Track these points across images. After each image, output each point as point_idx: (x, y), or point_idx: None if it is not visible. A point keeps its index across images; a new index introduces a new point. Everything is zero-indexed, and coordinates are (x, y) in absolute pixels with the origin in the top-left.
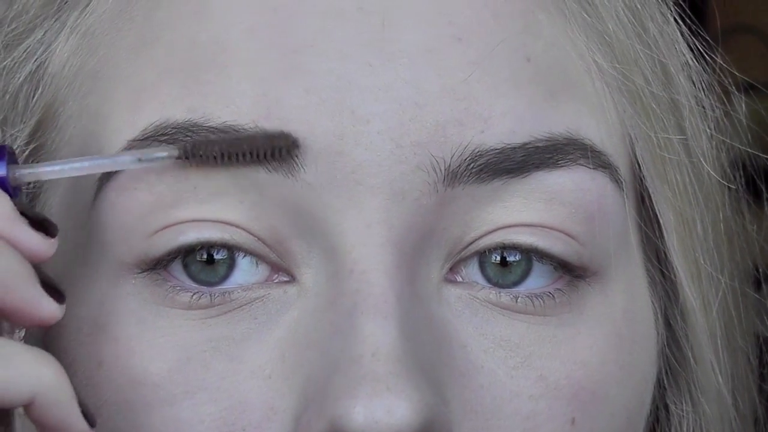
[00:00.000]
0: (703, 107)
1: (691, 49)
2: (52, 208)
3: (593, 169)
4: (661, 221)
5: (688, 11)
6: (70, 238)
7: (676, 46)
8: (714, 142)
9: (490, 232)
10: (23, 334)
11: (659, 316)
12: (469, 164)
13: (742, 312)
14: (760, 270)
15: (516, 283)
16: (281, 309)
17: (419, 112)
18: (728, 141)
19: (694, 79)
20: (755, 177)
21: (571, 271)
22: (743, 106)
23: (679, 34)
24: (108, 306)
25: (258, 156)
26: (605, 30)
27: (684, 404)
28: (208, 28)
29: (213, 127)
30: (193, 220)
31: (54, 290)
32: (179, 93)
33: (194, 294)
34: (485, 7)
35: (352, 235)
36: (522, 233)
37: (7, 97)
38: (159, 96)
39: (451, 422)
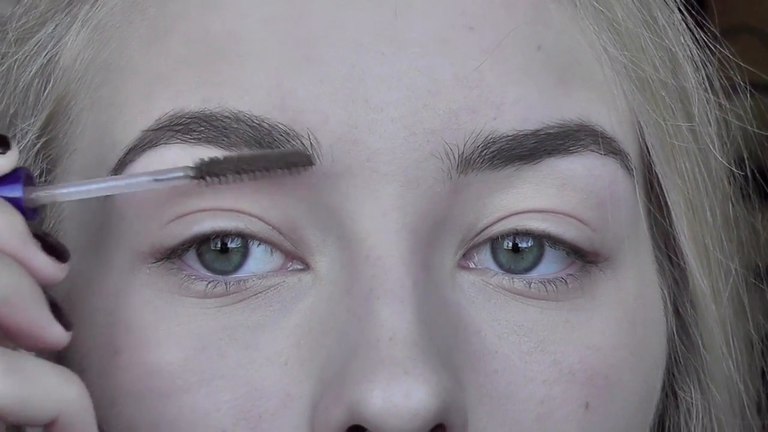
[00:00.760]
0: (709, 96)
1: (697, 43)
2: (63, 202)
3: (604, 155)
4: (670, 208)
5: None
6: (84, 228)
7: (683, 35)
8: (720, 131)
9: (502, 219)
10: None
11: (668, 302)
12: (482, 151)
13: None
14: (761, 268)
15: (528, 270)
16: (296, 296)
17: (432, 99)
18: (731, 137)
19: (700, 68)
20: (755, 176)
21: (583, 257)
22: (749, 103)
23: (684, 24)
24: (123, 296)
25: (273, 173)
26: (614, 18)
27: (693, 391)
28: (222, 19)
29: (228, 117)
30: (208, 209)
31: (62, 316)
32: (193, 83)
33: (209, 282)
34: None
35: (368, 222)
36: (534, 219)
37: (18, 90)
38: (173, 86)
39: (467, 407)
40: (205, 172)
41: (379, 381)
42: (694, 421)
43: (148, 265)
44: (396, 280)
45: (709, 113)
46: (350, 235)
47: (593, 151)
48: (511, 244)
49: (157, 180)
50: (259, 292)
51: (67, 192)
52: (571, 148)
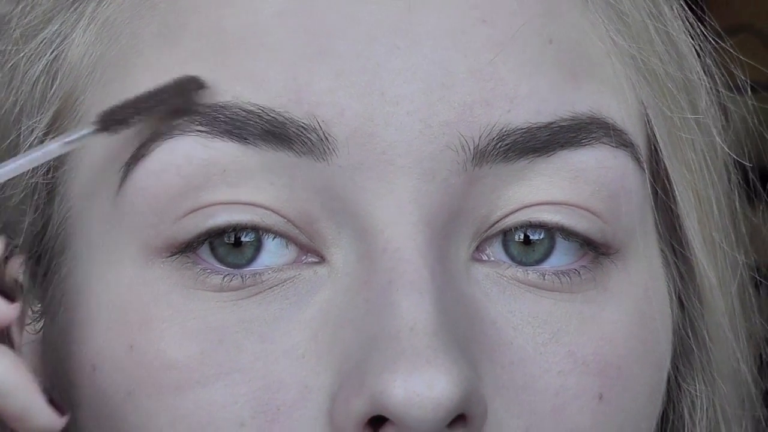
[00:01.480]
0: (713, 88)
1: (699, 38)
2: (71, 199)
3: (615, 147)
4: (677, 199)
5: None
6: (95, 226)
7: (687, 28)
8: (724, 124)
9: (515, 211)
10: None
11: (673, 295)
12: (496, 144)
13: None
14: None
15: (539, 262)
16: (312, 289)
17: (447, 92)
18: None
19: (703, 61)
20: (755, 176)
21: (595, 249)
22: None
23: (686, 19)
24: (136, 290)
25: (169, 106)
26: (622, 10)
27: (697, 383)
28: (235, 14)
29: (243, 110)
30: (223, 203)
31: (56, 404)
32: (207, 78)
33: (225, 276)
34: None
35: (384, 214)
36: (547, 211)
37: (24, 88)
38: None
39: (486, 397)
40: (110, 121)
41: (402, 371)
42: (699, 413)
43: (162, 259)
44: (414, 271)
45: (713, 106)
46: (366, 227)
47: (605, 143)
48: (522, 237)
49: (67, 143)
50: (275, 285)
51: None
52: (583, 141)
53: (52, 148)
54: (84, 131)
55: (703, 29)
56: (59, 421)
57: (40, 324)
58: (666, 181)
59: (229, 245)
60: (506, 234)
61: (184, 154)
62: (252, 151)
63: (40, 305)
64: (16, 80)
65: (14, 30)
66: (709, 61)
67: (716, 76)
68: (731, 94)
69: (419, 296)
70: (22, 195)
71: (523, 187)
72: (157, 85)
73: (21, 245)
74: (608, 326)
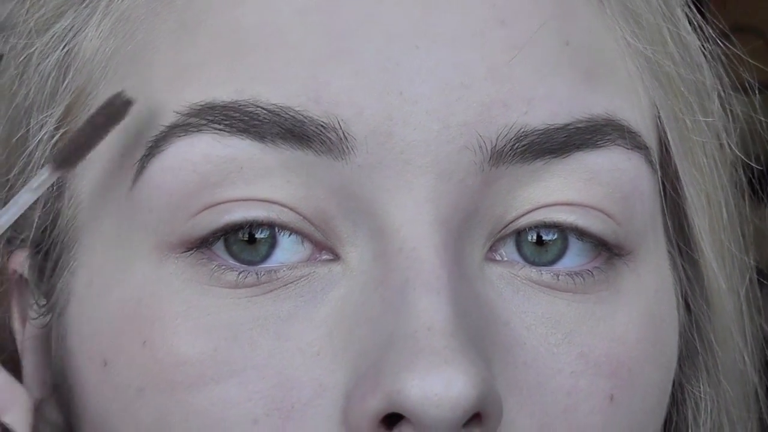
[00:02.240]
0: (724, 91)
1: (707, 40)
2: (82, 194)
3: (629, 149)
4: (687, 202)
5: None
6: (108, 221)
7: (698, 30)
8: (733, 126)
9: (530, 211)
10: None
11: (679, 297)
12: (513, 144)
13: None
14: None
15: (552, 262)
16: (326, 287)
17: (465, 92)
18: (738, 133)
19: (712, 64)
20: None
21: (608, 250)
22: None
23: (696, 21)
24: (151, 286)
25: (102, 126)
26: (637, 12)
27: (702, 385)
28: (254, 11)
29: (262, 108)
30: (239, 200)
31: None
32: (226, 76)
33: (240, 273)
34: None
35: (401, 214)
36: (562, 212)
37: (36, 82)
38: (204, 78)
39: (501, 397)
40: (65, 161)
41: (419, 371)
42: (703, 415)
43: (177, 255)
44: (431, 271)
45: (724, 109)
46: (383, 226)
47: (619, 145)
48: (535, 237)
49: (34, 191)
50: (290, 282)
51: None
52: (599, 143)
53: (25, 198)
54: (43, 176)
55: (710, 30)
56: None
57: (47, 319)
58: (675, 183)
59: (244, 242)
60: (519, 234)
61: (202, 151)
62: (270, 150)
63: (46, 301)
64: (28, 74)
65: (26, 23)
66: (714, 61)
67: (725, 76)
68: (738, 95)
69: (436, 296)
70: None
71: (539, 188)
72: (91, 114)
73: (27, 240)
74: (620, 327)
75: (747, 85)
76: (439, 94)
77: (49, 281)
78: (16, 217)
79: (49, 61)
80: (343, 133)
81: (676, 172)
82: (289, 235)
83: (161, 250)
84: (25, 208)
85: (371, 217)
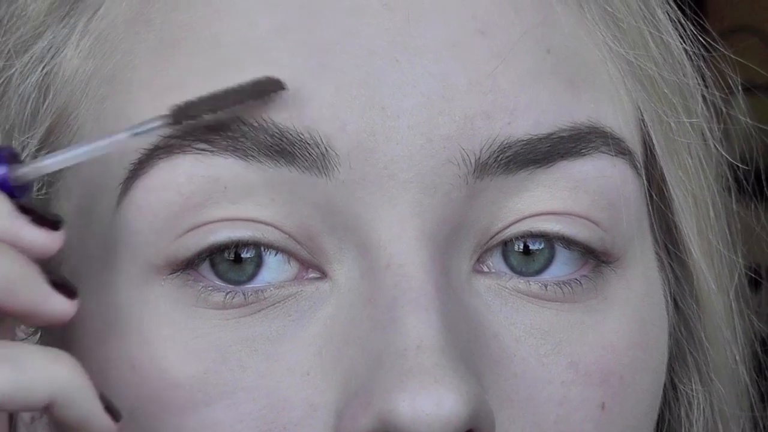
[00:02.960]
0: (709, 92)
1: (696, 41)
2: (67, 215)
3: (614, 156)
4: (674, 203)
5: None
6: (92, 243)
7: (681, 32)
8: (719, 126)
9: (516, 222)
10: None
11: (668, 297)
12: (497, 156)
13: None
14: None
15: (539, 272)
16: (314, 305)
17: (447, 105)
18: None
19: (697, 65)
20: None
21: (596, 257)
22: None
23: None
24: (137, 309)
25: (247, 104)
26: (618, 16)
27: (693, 383)
28: (232, 28)
29: (243, 125)
30: (224, 219)
31: (64, 287)
32: (204, 93)
33: (228, 293)
34: (505, 0)
35: (387, 229)
36: (548, 221)
37: (16, 103)
38: (184, 96)
39: (493, 411)
40: (182, 116)
41: (410, 390)
42: (695, 413)
43: (163, 277)
44: (419, 288)
45: (708, 110)
46: (369, 242)
47: (604, 152)
48: (522, 247)
49: (136, 134)
50: (278, 302)
51: (53, 162)
52: (582, 151)
53: (120, 137)
54: (155, 123)
55: (699, 32)
56: (70, 305)
57: (35, 338)
58: (661, 184)
59: (230, 261)
60: (506, 244)
61: (185, 172)
62: (253, 168)
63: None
64: (8, 95)
65: (4, 44)
66: (702, 63)
67: (715, 76)
68: (732, 93)
69: (425, 313)
70: None
71: (524, 198)
72: (236, 83)
73: None
74: (609, 335)
75: (739, 85)
76: (421, 108)
77: None
78: (97, 154)
79: (29, 82)
80: (326, 148)
81: (662, 174)
82: (275, 254)
83: (147, 272)
84: (115, 148)
85: (356, 233)
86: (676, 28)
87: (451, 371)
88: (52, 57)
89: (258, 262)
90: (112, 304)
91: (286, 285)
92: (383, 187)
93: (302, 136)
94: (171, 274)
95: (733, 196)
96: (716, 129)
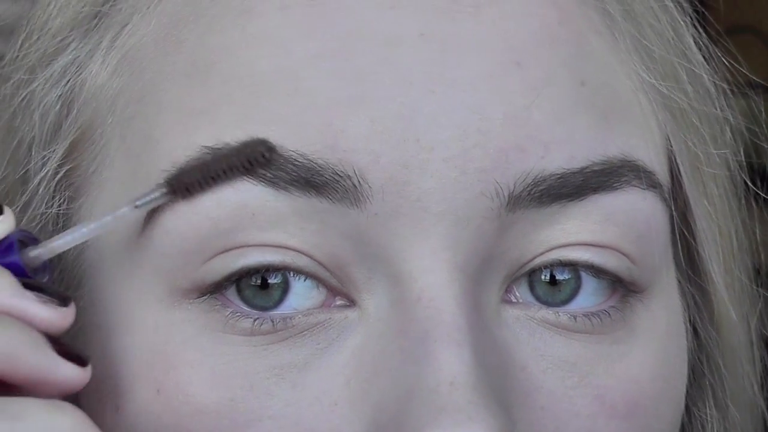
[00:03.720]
0: (735, 121)
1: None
2: (91, 239)
3: (645, 189)
4: (698, 232)
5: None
6: (116, 264)
7: (709, 59)
8: (744, 153)
9: (546, 252)
10: None
11: (688, 324)
12: (531, 190)
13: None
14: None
15: (565, 302)
16: (342, 334)
17: (482, 138)
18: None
19: (719, 90)
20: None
21: (624, 287)
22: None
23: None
24: (163, 333)
25: (239, 169)
26: (650, 47)
27: (708, 408)
28: (268, 55)
29: (278, 154)
30: (254, 245)
31: (74, 355)
32: (238, 120)
33: (256, 320)
34: (541, 31)
35: (419, 262)
36: (577, 250)
37: (37, 116)
38: (216, 122)
39: None
40: (177, 186)
41: (444, 428)
42: None
43: (190, 301)
44: (452, 322)
45: (735, 138)
46: (400, 274)
47: (635, 186)
48: (548, 277)
49: (137, 206)
50: (306, 330)
51: (64, 242)
52: (615, 185)
53: (123, 211)
54: (153, 194)
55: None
56: (81, 373)
57: None
58: (686, 213)
59: (256, 287)
60: (532, 274)
61: (215, 197)
62: (283, 197)
63: None
64: (30, 108)
65: (26, 57)
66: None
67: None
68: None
69: (458, 349)
70: (38, 226)
71: (555, 230)
72: (224, 146)
73: None
74: (635, 368)
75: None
76: (456, 141)
77: None
78: (104, 230)
79: (52, 96)
80: (359, 180)
81: (686, 203)
82: (304, 280)
83: (173, 295)
84: (118, 223)
85: (387, 264)
86: (705, 55)
87: (484, 409)
88: (76, 71)
89: (285, 288)
90: (136, 327)
91: (314, 312)
92: (415, 220)
93: (335, 168)
94: (198, 298)
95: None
96: (741, 155)
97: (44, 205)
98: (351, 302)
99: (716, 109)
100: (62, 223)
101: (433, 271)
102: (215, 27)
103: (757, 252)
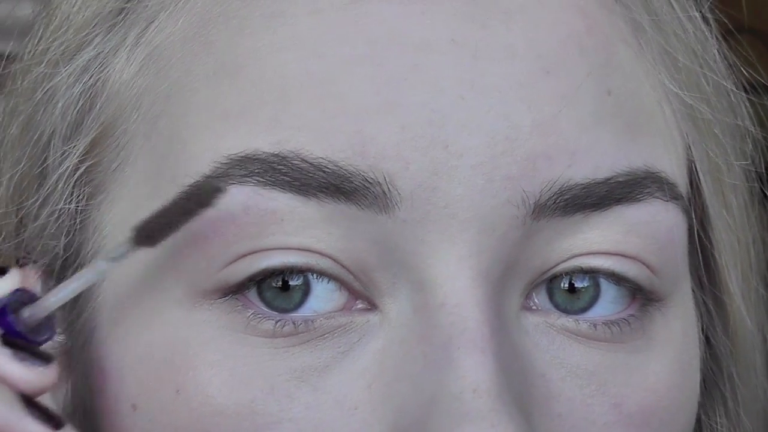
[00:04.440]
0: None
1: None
2: (107, 228)
3: (667, 201)
4: (717, 243)
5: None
6: (136, 263)
7: (733, 68)
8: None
9: (567, 260)
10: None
11: (701, 334)
12: (556, 199)
13: None
14: None
15: (584, 310)
16: (364, 338)
17: (510, 146)
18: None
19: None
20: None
21: (643, 296)
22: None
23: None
24: (183, 333)
25: (192, 212)
26: (675, 56)
27: (719, 417)
28: (299, 59)
29: (305, 161)
30: (278, 248)
31: (49, 416)
32: (268, 125)
33: (277, 322)
34: (570, 40)
35: (444, 268)
36: (598, 259)
37: (59, 110)
38: (245, 126)
39: None
40: (144, 236)
41: None
42: None
43: (211, 301)
44: (475, 328)
45: (757, 150)
46: (424, 279)
47: (658, 198)
48: (567, 284)
49: (113, 259)
50: (327, 333)
51: (55, 299)
52: (638, 196)
53: (101, 266)
54: (125, 248)
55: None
56: None
57: (66, 347)
58: (704, 222)
59: (277, 289)
60: (551, 281)
61: (242, 203)
62: (312, 203)
63: (62, 330)
64: (52, 102)
65: (48, 51)
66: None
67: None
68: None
69: (482, 356)
70: (57, 222)
71: (577, 239)
72: (179, 195)
73: (46, 269)
74: (652, 377)
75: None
76: (484, 148)
77: (71, 312)
78: (86, 286)
79: (75, 91)
80: (389, 187)
81: (704, 211)
82: (328, 282)
83: (194, 296)
84: (100, 277)
85: (412, 270)
86: (729, 65)
87: (506, 416)
88: (100, 67)
89: (305, 290)
90: (155, 326)
91: (336, 315)
92: (443, 226)
93: (365, 175)
94: (219, 298)
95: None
96: (762, 166)
97: (63, 200)
98: (372, 306)
99: (738, 120)
100: (80, 219)
101: (457, 278)
102: (245, 29)
103: None
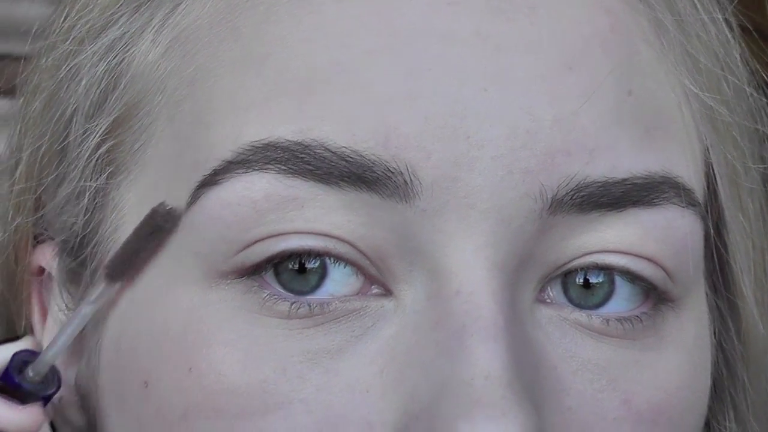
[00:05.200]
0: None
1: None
2: (126, 208)
3: (684, 207)
4: (733, 247)
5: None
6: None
7: (755, 74)
8: None
9: (582, 256)
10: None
11: (713, 338)
12: (573, 195)
13: None
14: None
15: (598, 306)
16: (378, 323)
17: (530, 139)
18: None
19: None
20: None
21: (657, 295)
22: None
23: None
24: (198, 312)
25: (149, 239)
26: (696, 58)
27: (728, 422)
28: (324, 49)
29: (329, 151)
30: (299, 232)
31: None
32: (292, 114)
33: (293, 303)
34: (594, 37)
35: (461, 257)
36: (614, 256)
37: (83, 87)
38: (269, 113)
39: None
40: (115, 272)
41: (476, 421)
42: None
43: (227, 282)
44: (489, 317)
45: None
46: (440, 268)
47: (674, 203)
48: (582, 280)
49: (94, 301)
50: (341, 316)
51: (52, 354)
52: (654, 201)
53: (86, 311)
54: (101, 289)
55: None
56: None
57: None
58: (720, 226)
59: (294, 271)
60: (567, 276)
61: (263, 190)
62: (334, 191)
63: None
64: (76, 80)
65: (74, 29)
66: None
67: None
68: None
69: (494, 343)
70: (77, 199)
71: (593, 237)
72: (137, 226)
73: (62, 246)
74: (663, 375)
75: None
76: (505, 140)
77: (85, 290)
78: (78, 331)
79: (99, 69)
80: (411, 177)
81: (721, 215)
82: (344, 266)
83: (211, 276)
84: (87, 321)
85: (429, 258)
86: (751, 70)
87: (516, 405)
88: (125, 47)
89: (322, 274)
90: (171, 304)
91: (351, 299)
92: (461, 216)
93: (387, 165)
94: (236, 279)
95: None
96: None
97: (83, 178)
98: (387, 292)
99: (757, 124)
100: (100, 197)
101: (473, 267)
102: (271, 17)
103: None
